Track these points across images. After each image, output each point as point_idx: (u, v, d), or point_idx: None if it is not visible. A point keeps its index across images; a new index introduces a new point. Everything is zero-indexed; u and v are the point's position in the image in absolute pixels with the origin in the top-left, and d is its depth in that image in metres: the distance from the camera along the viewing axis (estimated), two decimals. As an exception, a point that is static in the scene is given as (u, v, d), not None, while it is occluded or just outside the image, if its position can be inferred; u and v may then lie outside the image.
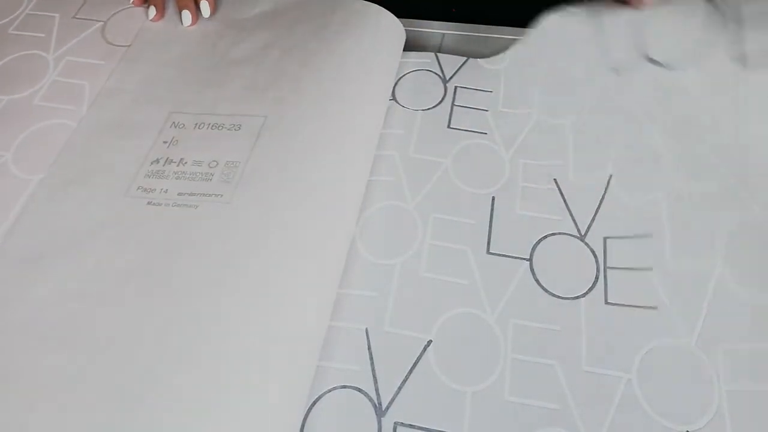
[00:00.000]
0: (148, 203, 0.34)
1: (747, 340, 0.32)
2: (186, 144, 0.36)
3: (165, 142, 0.36)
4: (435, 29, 0.49)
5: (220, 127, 0.37)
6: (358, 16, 0.42)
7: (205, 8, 0.42)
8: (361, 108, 0.37)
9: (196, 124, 0.37)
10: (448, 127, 0.40)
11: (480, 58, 0.45)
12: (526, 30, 0.48)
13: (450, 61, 0.44)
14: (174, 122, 0.37)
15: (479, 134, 0.40)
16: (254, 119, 0.37)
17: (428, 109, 0.41)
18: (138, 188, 0.34)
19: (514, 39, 0.48)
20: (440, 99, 0.42)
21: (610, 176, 0.38)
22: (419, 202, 0.37)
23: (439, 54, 0.45)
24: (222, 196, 0.33)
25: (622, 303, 0.33)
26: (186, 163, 0.35)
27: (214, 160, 0.35)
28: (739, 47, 0.41)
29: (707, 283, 0.33)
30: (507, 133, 0.40)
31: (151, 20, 0.43)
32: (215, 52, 0.41)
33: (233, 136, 0.36)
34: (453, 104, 0.41)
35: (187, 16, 0.42)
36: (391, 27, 0.43)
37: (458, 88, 0.42)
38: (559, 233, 0.36)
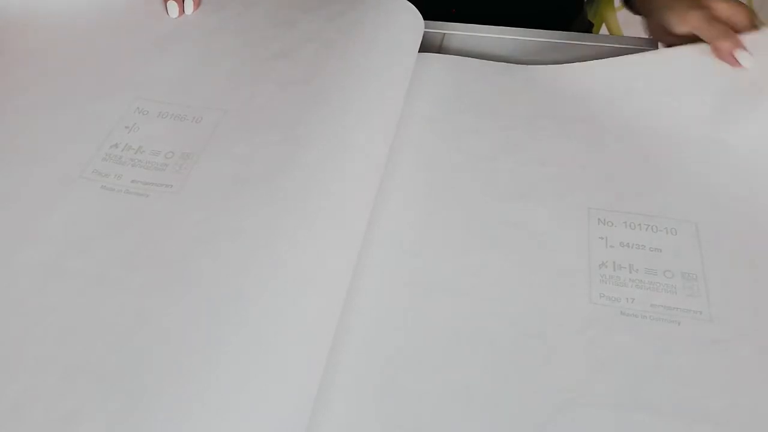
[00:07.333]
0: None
1: None
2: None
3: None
4: (435, 29, 0.47)
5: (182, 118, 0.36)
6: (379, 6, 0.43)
7: (189, 5, 0.43)
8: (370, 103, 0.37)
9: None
10: None
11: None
12: (526, 30, 0.46)
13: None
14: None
15: None
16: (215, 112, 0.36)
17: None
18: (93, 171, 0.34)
19: (514, 39, 0.46)
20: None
21: None
22: None
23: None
24: (171, 186, 0.33)
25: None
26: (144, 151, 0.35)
27: (170, 151, 0.35)
28: None
29: None
30: None
31: None
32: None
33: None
34: None
35: (173, 8, 0.43)
36: (412, 20, 0.43)
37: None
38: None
